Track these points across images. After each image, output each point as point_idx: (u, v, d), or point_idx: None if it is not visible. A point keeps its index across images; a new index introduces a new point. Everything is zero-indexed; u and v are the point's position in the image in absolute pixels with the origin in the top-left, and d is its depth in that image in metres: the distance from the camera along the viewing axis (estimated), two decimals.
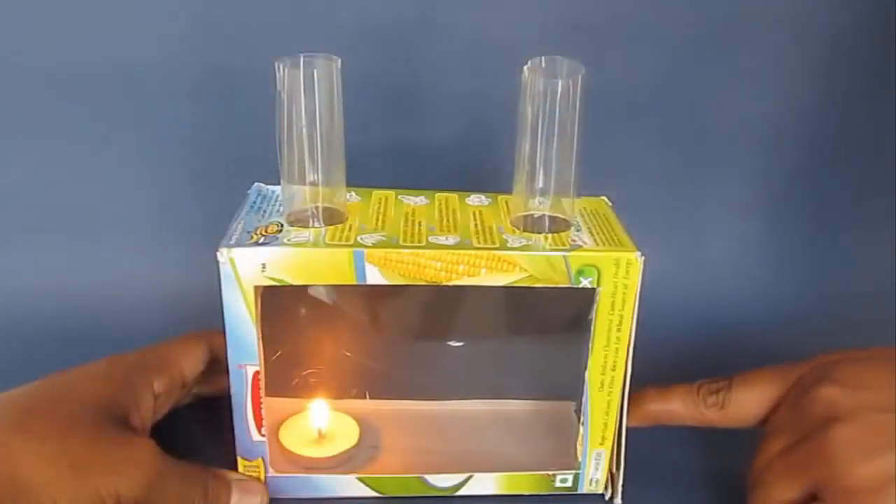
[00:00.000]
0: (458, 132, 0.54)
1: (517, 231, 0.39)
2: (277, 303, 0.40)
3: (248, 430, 0.39)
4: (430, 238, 0.38)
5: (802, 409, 0.38)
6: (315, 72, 0.36)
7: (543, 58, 0.37)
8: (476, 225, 0.39)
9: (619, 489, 0.42)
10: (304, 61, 0.36)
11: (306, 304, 0.44)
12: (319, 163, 0.37)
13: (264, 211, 0.40)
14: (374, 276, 0.36)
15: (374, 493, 0.42)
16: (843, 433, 0.35)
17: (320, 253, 0.36)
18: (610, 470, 0.42)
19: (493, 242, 0.38)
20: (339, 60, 0.36)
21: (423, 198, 0.42)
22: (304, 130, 0.36)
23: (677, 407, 0.41)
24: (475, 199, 0.43)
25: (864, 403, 0.36)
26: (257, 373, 0.38)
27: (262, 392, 0.39)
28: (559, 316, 0.43)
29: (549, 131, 0.37)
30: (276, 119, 0.37)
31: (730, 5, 0.54)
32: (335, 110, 0.37)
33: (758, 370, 0.41)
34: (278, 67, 0.36)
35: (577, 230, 0.39)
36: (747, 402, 0.40)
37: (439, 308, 0.45)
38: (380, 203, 0.41)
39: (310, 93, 0.36)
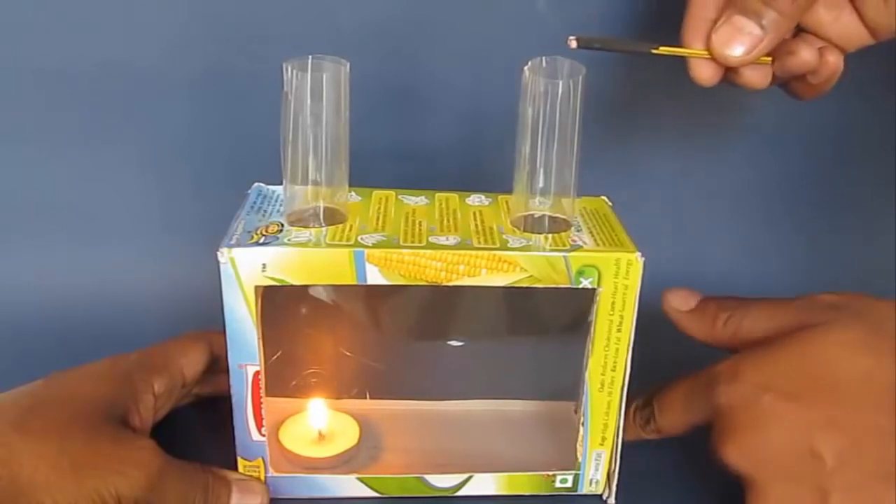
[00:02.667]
0: (459, 132, 0.54)
1: (517, 231, 0.39)
2: (278, 303, 0.40)
3: (249, 430, 0.39)
4: (430, 238, 0.38)
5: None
6: (324, 75, 0.36)
7: (544, 58, 0.37)
8: (476, 225, 0.39)
9: (614, 489, 0.42)
10: (312, 64, 0.36)
11: (307, 304, 0.44)
12: (323, 164, 0.37)
13: (265, 211, 0.40)
14: (375, 276, 0.36)
15: (374, 494, 0.42)
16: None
17: (321, 253, 0.36)
18: (607, 470, 0.42)
19: (494, 243, 0.38)
20: (348, 64, 0.36)
21: (423, 198, 0.42)
22: (310, 132, 0.37)
23: (626, 434, 0.41)
24: (475, 199, 0.43)
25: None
26: (258, 373, 0.38)
27: (263, 392, 0.39)
28: (559, 316, 0.43)
29: (550, 131, 0.37)
30: (282, 120, 0.36)
31: None
32: (342, 113, 0.37)
33: (673, 387, 0.40)
34: (286, 69, 0.36)
35: (578, 230, 0.39)
36: (674, 423, 0.40)
37: (439, 308, 0.45)
38: (380, 203, 0.41)
39: (317, 96, 0.36)
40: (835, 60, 0.40)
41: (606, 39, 0.38)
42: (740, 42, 0.38)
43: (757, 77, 0.40)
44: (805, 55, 0.39)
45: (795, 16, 0.39)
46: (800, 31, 0.42)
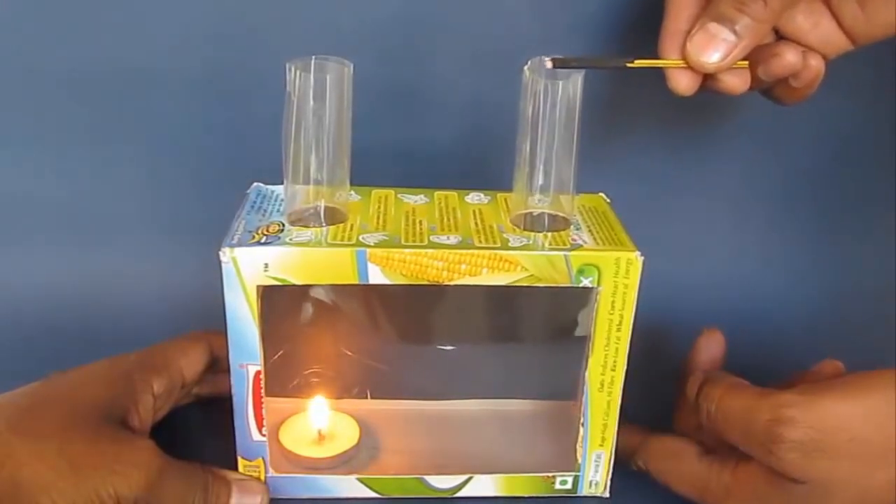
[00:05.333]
0: (459, 131, 0.54)
1: (518, 230, 0.39)
2: (278, 302, 0.40)
3: (249, 429, 0.39)
4: (431, 237, 0.38)
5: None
6: (327, 76, 0.36)
7: (544, 57, 0.37)
8: (476, 224, 0.39)
9: (608, 482, 0.42)
10: (315, 65, 0.36)
11: (307, 304, 0.44)
12: (325, 165, 0.37)
13: (265, 210, 0.40)
14: (377, 276, 0.37)
15: (374, 494, 0.42)
16: None
17: (323, 252, 0.36)
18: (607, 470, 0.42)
19: (495, 242, 0.38)
20: (352, 66, 0.36)
21: (422, 196, 0.42)
22: (313, 133, 0.37)
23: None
24: (474, 198, 0.43)
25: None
26: (258, 372, 0.38)
27: (263, 392, 0.39)
28: (559, 315, 0.43)
29: (550, 131, 0.37)
30: (284, 120, 0.36)
31: None
32: (344, 114, 0.37)
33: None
34: (290, 70, 0.36)
35: (577, 229, 0.39)
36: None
37: (440, 308, 0.45)
38: (380, 202, 0.41)
39: (320, 97, 0.36)
40: (816, 64, 0.41)
41: (581, 58, 0.38)
42: (715, 48, 0.39)
43: (736, 81, 0.40)
44: (789, 57, 0.40)
45: (769, 20, 0.39)
46: (780, 38, 0.42)
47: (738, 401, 0.37)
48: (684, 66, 0.40)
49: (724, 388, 0.38)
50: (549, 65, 0.36)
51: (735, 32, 0.38)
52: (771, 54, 0.40)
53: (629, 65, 0.40)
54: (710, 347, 0.43)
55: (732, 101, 0.54)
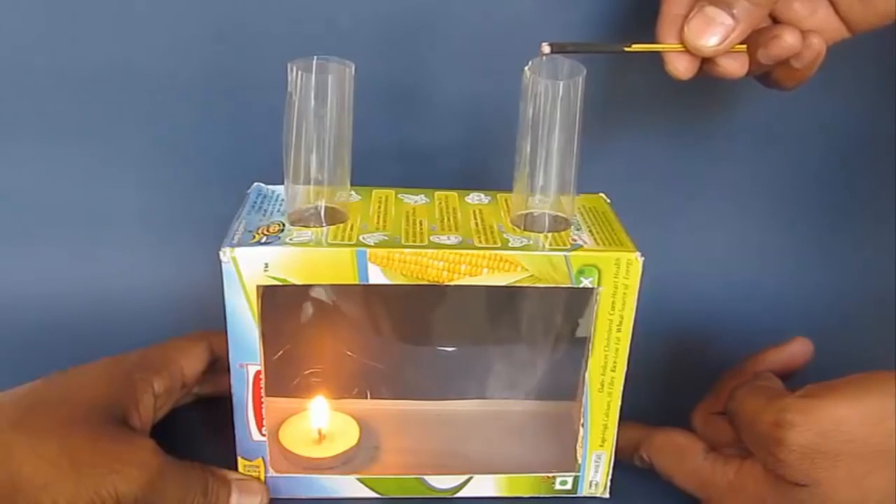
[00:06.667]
0: (459, 132, 0.54)
1: (518, 230, 0.39)
2: (278, 302, 0.40)
3: (249, 429, 0.39)
4: (431, 237, 0.38)
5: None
6: (329, 77, 0.36)
7: (544, 57, 0.37)
8: (477, 224, 0.40)
9: (608, 482, 0.42)
10: (317, 65, 0.36)
11: (307, 304, 0.44)
12: (326, 165, 0.37)
13: (265, 210, 0.40)
14: (377, 276, 0.37)
15: (374, 494, 0.42)
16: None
17: (323, 252, 0.36)
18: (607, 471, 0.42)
19: (495, 242, 0.38)
20: (353, 66, 0.37)
21: (422, 196, 0.42)
22: (314, 133, 0.37)
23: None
24: (475, 198, 0.43)
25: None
26: (258, 372, 0.38)
27: (263, 392, 0.39)
28: (559, 316, 0.43)
29: (550, 131, 0.37)
30: (285, 120, 0.37)
31: None
32: (346, 114, 0.37)
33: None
34: (291, 70, 0.36)
35: (577, 229, 0.39)
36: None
37: (440, 308, 0.45)
38: (380, 202, 0.41)
39: (321, 97, 0.36)
40: (818, 43, 0.40)
41: (579, 43, 0.38)
42: (713, 32, 0.39)
43: (735, 65, 0.40)
44: (789, 39, 0.40)
45: (767, 4, 0.39)
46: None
47: (751, 402, 0.37)
48: (682, 50, 0.40)
49: (746, 390, 0.38)
50: (546, 49, 0.36)
51: (733, 16, 0.38)
52: (770, 37, 0.40)
53: (627, 49, 0.40)
54: (793, 355, 0.42)
55: (733, 102, 0.55)
